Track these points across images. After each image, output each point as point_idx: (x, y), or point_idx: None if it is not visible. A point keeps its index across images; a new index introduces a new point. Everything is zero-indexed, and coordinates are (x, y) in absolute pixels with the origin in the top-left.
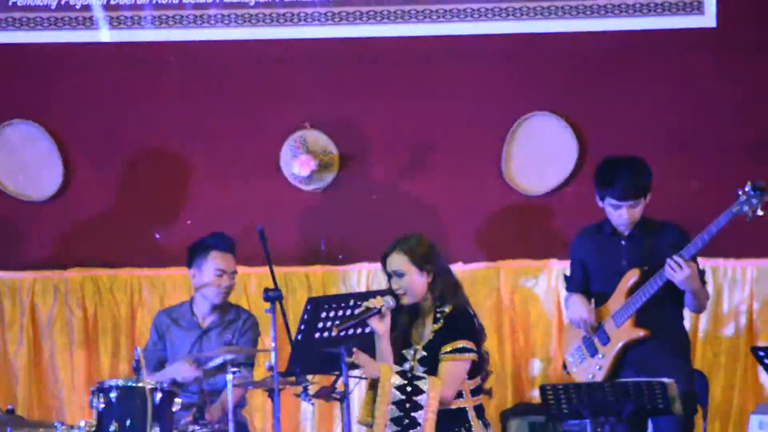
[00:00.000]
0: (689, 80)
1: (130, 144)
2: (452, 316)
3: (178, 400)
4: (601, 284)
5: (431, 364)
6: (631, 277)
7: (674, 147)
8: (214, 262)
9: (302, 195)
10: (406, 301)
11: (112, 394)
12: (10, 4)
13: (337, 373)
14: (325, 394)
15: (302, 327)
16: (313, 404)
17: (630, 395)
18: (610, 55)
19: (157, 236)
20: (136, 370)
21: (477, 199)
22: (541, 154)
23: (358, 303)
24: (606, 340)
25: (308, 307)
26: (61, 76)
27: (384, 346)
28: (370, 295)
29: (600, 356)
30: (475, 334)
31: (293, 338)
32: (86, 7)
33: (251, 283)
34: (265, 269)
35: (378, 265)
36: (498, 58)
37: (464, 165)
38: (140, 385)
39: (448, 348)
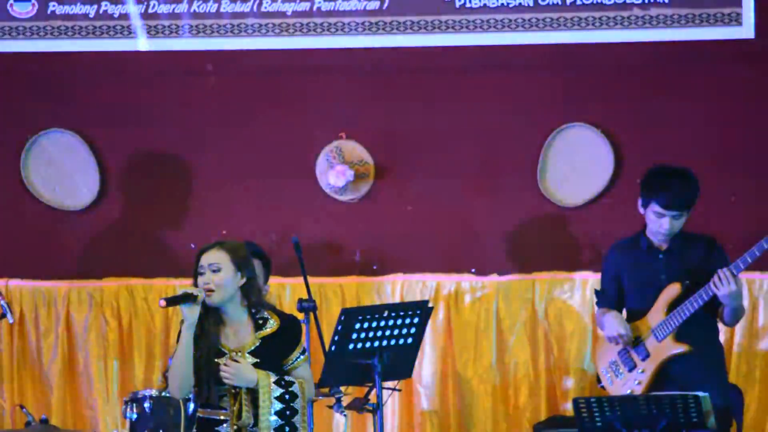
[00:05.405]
0: (727, 92)
1: (166, 153)
2: (288, 322)
3: None
4: (638, 299)
5: (266, 369)
6: (672, 291)
7: (710, 159)
8: None
9: (338, 205)
10: (213, 299)
11: (146, 405)
12: (48, 12)
13: (370, 384)
14: (358, 405)
15: (336, 338)
16: (346, 416)
17: (664, 409)
18: (647, 67)
19: (193, 246)
20: None
21: (512, 210)
22: (577, 165)
23: (392, 314)
24: (645, 354)
25: (342, 319)
26: (98, 84)
27: (189, 338)
28: (405, 306)
29: (639, 371)
30: None
31: (327, 349)
32: (124, 16)
33: (286, 293)
34: (300, 280)
35: (413, 276)
36: (534, 69)
37: (500, 176)
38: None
39: (296, 353)
